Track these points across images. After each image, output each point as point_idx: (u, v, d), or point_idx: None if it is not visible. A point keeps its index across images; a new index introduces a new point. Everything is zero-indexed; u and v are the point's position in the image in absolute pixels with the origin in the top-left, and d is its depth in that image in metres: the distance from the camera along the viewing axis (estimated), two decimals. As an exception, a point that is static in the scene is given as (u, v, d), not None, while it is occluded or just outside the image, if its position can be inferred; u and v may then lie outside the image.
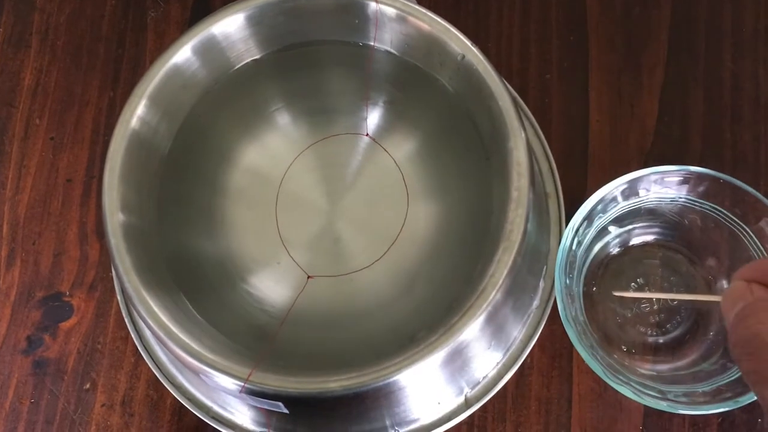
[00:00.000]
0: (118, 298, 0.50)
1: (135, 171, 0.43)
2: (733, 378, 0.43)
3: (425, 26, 0.44)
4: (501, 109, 0.42)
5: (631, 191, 0.46)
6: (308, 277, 0.46)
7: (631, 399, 0.42)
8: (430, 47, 0.44)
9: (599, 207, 0.46)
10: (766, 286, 0.34)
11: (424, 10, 0.44)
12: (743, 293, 0.34)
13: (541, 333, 0.47)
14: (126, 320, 0.49)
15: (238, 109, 0.49)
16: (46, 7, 0.57)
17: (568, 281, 0.45)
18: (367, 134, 0.48)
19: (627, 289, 0.48)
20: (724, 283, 0.47)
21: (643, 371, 0.46)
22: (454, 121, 0.46)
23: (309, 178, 0.48)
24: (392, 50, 0.46)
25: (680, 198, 0.47)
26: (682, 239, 0.48)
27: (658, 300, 0.48)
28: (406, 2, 0.44)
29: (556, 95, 0.53)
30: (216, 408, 0.47)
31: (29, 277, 0.51)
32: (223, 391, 0.42)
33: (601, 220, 0.47)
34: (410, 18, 0.44)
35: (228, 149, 0.49)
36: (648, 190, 0.46)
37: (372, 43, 0.46)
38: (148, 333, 0.48)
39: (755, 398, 0.41)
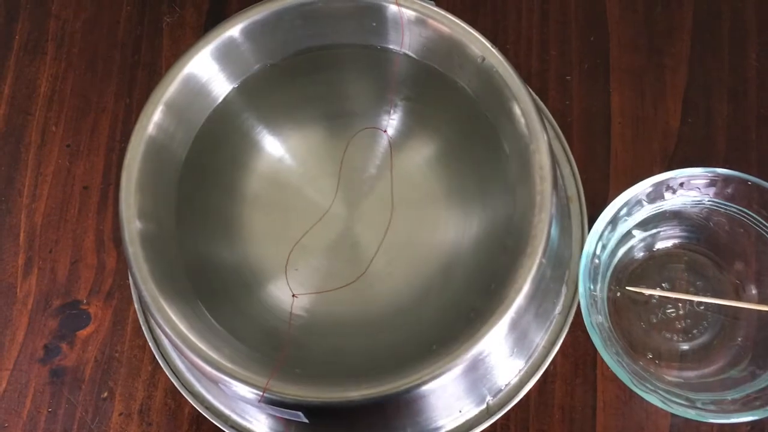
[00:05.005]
0: (136, 306, 0.50)
1: (152, 178, 0.43)
2: (763, 385, 0.42)
3: (445, 29, 0.43)
4: (522, 111, 0.42)
5: (656, 194, 0.45)
6: (293, 295, 0.45)
7: (657, 407, 0.41)
8: (450, 50, 0.44)
9: (624, 210, 0.45)
10: None
11: (443, 13, 0.43)
12: None
13: (564, 339, 0.46)
14: (143, 328, 0.49)
15: (255, 114, 0.48)
16: (62, 14, 0.57)
17: (591, 286, 0.44)
18: (385, 131, 0.47)
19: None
20: (752, 288, 0.46)
21: (669, 378, 0.45)
22: (474, 123, 0.45)
23: (327, 184, 0.48)
24: (411, 53, 0.46)
25: (706, 201, 0.46)
26: (708, 243, 0.47)
27: (684, 305, 0.47)
28: (425, 4, 0.44)
29: (576, 97, 0.52)
30: (234, 417, 0.46)
31: (46, 285, 0.51)
32: (242, 400, 0.41)
33: (626, 223, 0.46)
34: (429, 20, 0.44)
35: (245, 155, 0.48)
36: (673, 193, 0.45)
37: (391, 46, 0.46)
38: (165, 341, 0.48)
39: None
